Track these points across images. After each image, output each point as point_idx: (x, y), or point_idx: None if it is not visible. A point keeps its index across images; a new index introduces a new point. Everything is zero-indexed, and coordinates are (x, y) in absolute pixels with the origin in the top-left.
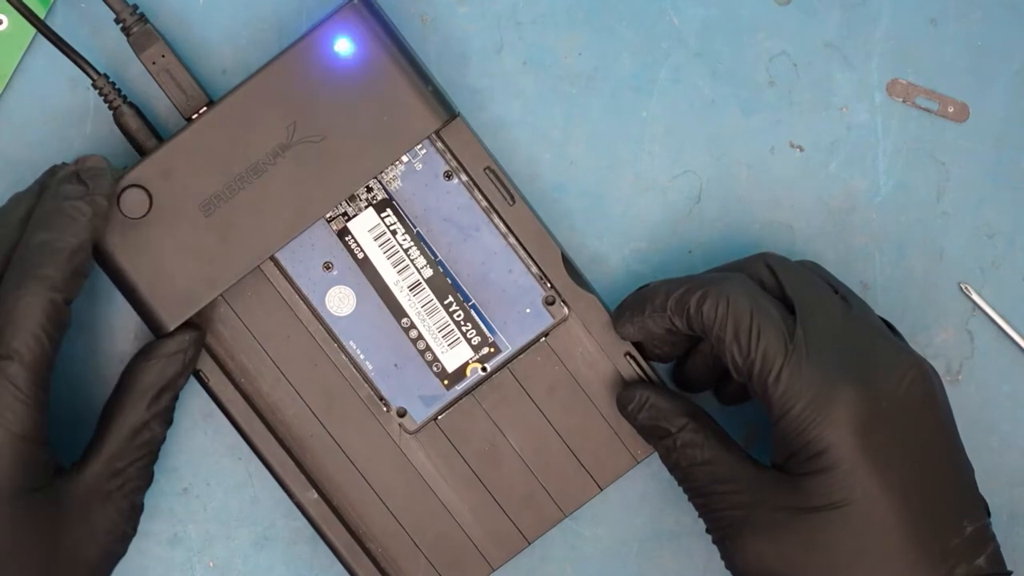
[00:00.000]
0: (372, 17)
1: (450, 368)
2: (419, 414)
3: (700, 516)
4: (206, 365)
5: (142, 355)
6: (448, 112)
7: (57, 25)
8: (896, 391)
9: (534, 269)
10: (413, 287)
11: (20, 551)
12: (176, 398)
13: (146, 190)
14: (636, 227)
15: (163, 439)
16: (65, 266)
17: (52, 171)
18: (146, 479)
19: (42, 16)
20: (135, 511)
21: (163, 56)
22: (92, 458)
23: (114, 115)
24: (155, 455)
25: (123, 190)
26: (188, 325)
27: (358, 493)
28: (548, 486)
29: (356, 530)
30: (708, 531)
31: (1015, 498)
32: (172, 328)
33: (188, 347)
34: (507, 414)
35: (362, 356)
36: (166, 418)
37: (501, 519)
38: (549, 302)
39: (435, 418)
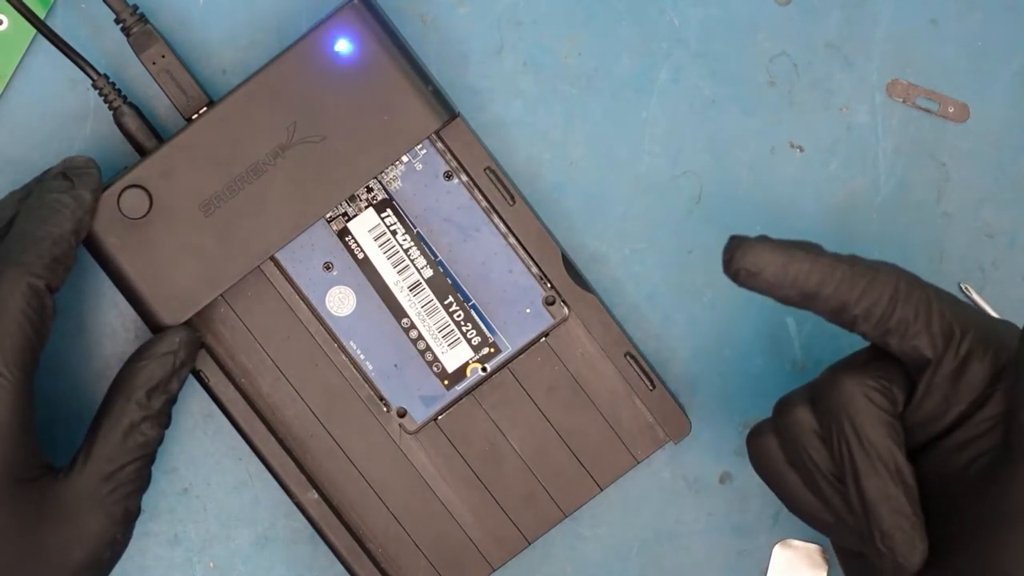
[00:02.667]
0: (372, 17)
1: (450, 368)
2: (419, 414)
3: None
4: (206, 365)
5: (133, 357)
6: (448, 112)
7: (57, 25)
8: None
9: (534, 269)
10: (413, 287)
11: None
12: (172, 401)
13: (146, 190)
14: (636, 227)
15: (158, 442)
16: (45, 253)
17: (44, 173)
18: (141, 483)
19: (42, 16)
20: (129, 516)
21: (163, 56)
22: (82, 461)
23: (114, 115)
24: (150, 458)
25: (123, 190)
26: (183, 326)
27: (358, 493)
28: (548, 486)
29: (356, 530)
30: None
31: None
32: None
33: (179, 348)
34: (507, 414)
35: (362, 356)
36: (160, 421)
37: (501, 519)
38: (549, 302)
39: (435, 418)
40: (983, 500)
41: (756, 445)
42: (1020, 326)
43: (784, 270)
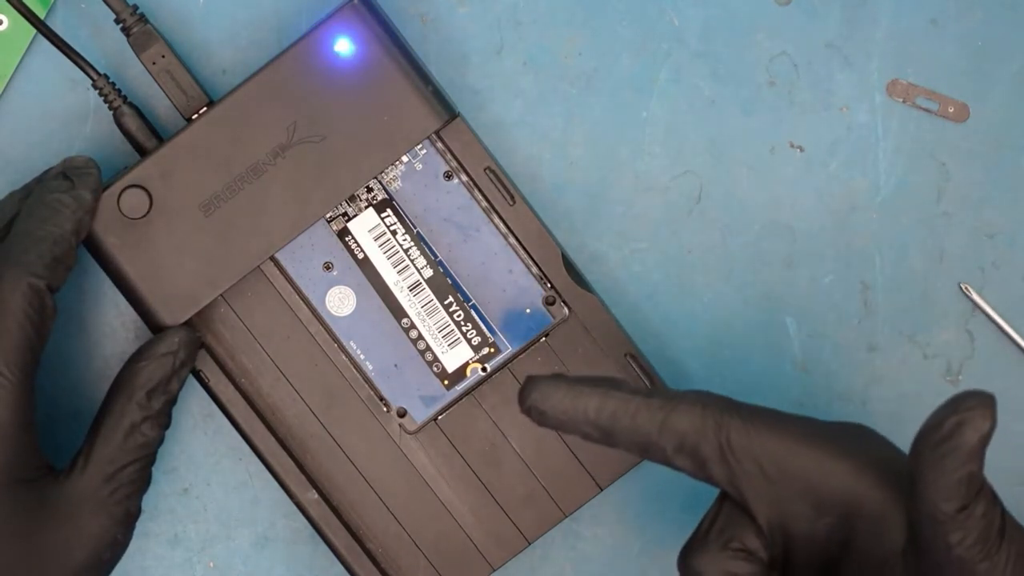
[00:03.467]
0: (372, 17)
1: (450, 368)
2: (419, 414)
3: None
4: (206, 365)
5: (133, 357)
6: (448, 112)
7: (57, 25)
8: None
9: (534, 269)
10: (413, 287)
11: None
12: (172, 401)
13: (146, 190)
14: (636, 227)
15: (159, 443)
16: (45, 253)
17: (44, 173)
18: (141, 483)
19: (42, 16)
20: (129, 517)
21: (163, 56)
22: (83, 462)
23: (114, 115)
24: (151, 459)
25: (123, 190)
26: (183, 327)
27: (358, 493)
28: (548, 486)
29: (356, 530)
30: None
31: (1016, 498)
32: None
33: (178, 349)
34: (507, 414)
35: (362, 356)
36: (160, 421)
37: (501, 519)
38: (549, 302)
39: (435, 418)
40: None
41: None
42: (865, 425)
43: (572, 406)
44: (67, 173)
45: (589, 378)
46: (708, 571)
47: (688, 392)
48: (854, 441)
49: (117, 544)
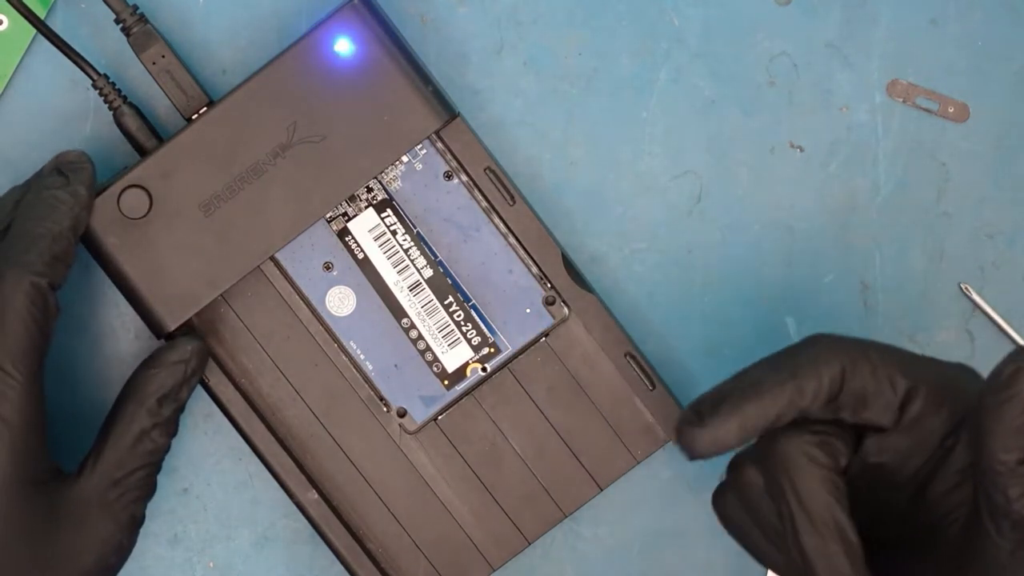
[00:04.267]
0: (372, 17)
1: (450, 368)
2: (419, 414)
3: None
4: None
5: (144, 364)
6: (448, 112)
7: (57, 25)
8: None
9: (534, 269)
10: (413, 287)
11: (8, 543)
12: (181, 409)
13: (146, 190)
14: (636, 227)
15: (166, 450)
16: (45, 251)
17: (39, 171)
18: (147, 489)
19: (42, 16)
20: (134, 522)
21: (163, 56)
22: (92, 466)
23: (114, 115)
24: (157, 466)
25: (123, 190)
26: (193, 335)
27: (358, 493)
28: (548, 486)
29: (356, 530)
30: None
31: None
32: (172, 328)
33: (190, 357)
34: (507, 414)
35: (362, 356)
36: (168, 429)
37: (501, 519)
38: (549, 302)
39: (435, 418)
40: (961, 561)
41: (718, 505)
42: (973, 369)
43: (742, 431)
44: (61, 168)
45: (733, 392)
46: (790, 447)
47: (820, 352)
48: (968, 380)
49: (122, 548)
